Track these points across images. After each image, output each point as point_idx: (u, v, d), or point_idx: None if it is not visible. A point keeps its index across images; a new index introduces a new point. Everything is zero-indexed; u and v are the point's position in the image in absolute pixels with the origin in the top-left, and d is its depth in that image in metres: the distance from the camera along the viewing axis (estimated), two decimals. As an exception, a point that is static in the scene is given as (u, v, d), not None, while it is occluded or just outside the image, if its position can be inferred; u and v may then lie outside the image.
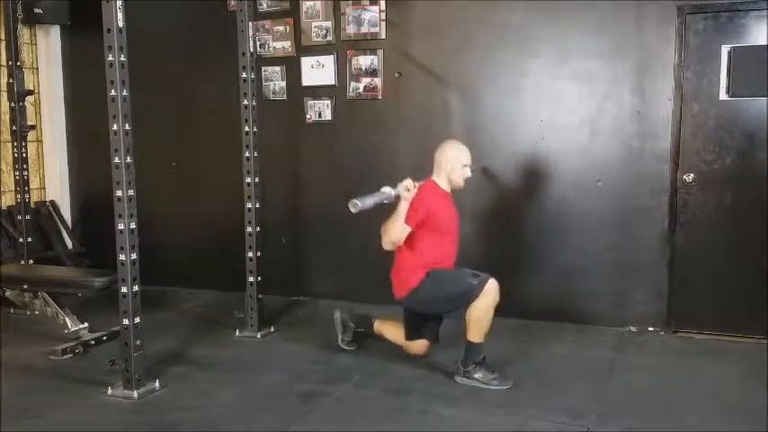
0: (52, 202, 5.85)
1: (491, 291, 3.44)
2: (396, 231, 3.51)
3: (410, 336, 3.77)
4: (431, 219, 3.55)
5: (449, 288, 3.53)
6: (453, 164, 3.63)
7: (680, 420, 3.09)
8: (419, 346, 3.76)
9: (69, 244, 5.80)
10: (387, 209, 3.54)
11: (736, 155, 4.19)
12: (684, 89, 4.24)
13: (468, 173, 3.68)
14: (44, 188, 5.88)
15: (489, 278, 3.48)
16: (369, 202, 3.39)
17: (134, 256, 3.30)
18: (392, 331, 3.88)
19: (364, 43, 4.90)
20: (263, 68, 5.13)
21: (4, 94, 5.19)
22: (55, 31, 5.79)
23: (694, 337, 4.32)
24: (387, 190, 3.48)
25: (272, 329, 4.44)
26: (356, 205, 3.33)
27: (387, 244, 3.57)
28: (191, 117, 5.46)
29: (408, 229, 3.53)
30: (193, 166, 5.51)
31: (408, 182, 3.50)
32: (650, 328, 4.42)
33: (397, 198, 3.51)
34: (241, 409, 3.26)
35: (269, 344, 4.24)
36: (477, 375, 3.49)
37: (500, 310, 4.60)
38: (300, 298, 5.27)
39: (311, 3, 4.99)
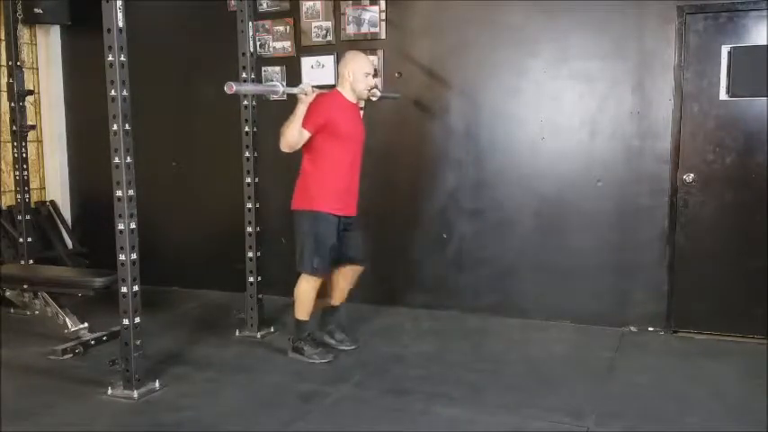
0: (52, 202, 5.85)
1: (310, 283, 3.74)
2: (292, 133, 3.53)
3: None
4: (330, 124, 3.56)
5: (305, 241, 3.67)
6: (355, 73, 3.65)
7: (680, 420, 3.09)
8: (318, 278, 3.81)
9: (69, 244, 5.81)
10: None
11: (736, 155, 4.19)
12: (684, 89, 4.24)
13: (371, 82, 3.70)
14: (44, 188, 5.89)
15: (318, 275, 3.70)
16: (249, 88, 3.28)
17: (134, 256, 3.30)
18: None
19: (364, 43, 4.90)
20: (263, 68, 5.13)
21: (4, 94, 5.19)
22: (55, 31, 5.79)
23: (694, 337, 4.32)
24: (277, 84, 3.42)
25: (272, 329, 4.44)
26: (231, 87, 3.18)
27: (284, 146, 3.59)
28: (191, 117, 5.46)
29: (306, 134, 3.54)
30: (193, 166, 5.51)
31: (307, 86, 3.52)
32: (650, 328, 4.42)
33: (292, 99, 3.48)
34: (241, 409, 3.26)
35: (269, 344, 4.24)
36: (303, 349, 3.81)
37: (501, 310, 4.66)
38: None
39: (311, 3, 5.00)
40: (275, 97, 3.42)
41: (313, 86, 3.57)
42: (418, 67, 4.80)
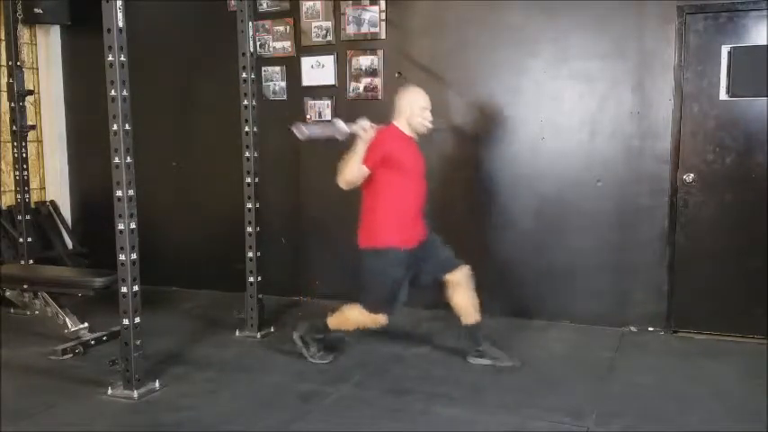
0: (52, 202, 5.85)
1: (364, 316, 3.65)
2: (351, 171, 3.51)
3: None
4: (390, 159, 3.54)
5: (371, 280, 3.63)
6: (412, 108, 3.63)
7: (680, 420, 3.09)
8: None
9: (69, 244, 5.81)
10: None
11: (736, 155, 4.19)
12: (684, 89, 4.24)
13: (428, 116, 3.68)
14: (44, 188, 5.89)
15: (377, 316, 3.63)
16: (316, 130, 3.32)
17: (134, 256, 3.30)
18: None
19: (364, 43, 4.90)
20: (263, 68, 5.13)
21: (4, 94, 5.19)
22: (55, 31, 5.79)
23: (694, 337, 4.32)
24: (339, 123, 3.43)
25: (272, 329, 4.44)
26: (302, 131, 3.24)
27: (342, 183, 3.57)
28: (191, 117, 5.46)
29: (365, 170, 3.52)
30: (193, 166, 5.51)
31: (365, 122, 3.51)
32: (650, 328, 4.42)
33: (353, 137, 3.47)
34: (241, 408, 3.26)
35: (269, 344, 4.24)
36: (311, 348, 3.81)
37: (501, 310, 4.66)
38: (300, 298, 5.27)
39: (311, 3, 5.00)
40: (339, 138, 3.45)
41: (372, 124, 3.54)
42: (418, 67, 4.80)
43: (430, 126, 3.72)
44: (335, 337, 3.91)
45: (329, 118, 5.03)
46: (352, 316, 3.72)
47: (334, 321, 3.78)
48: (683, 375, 3.68)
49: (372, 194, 3.62)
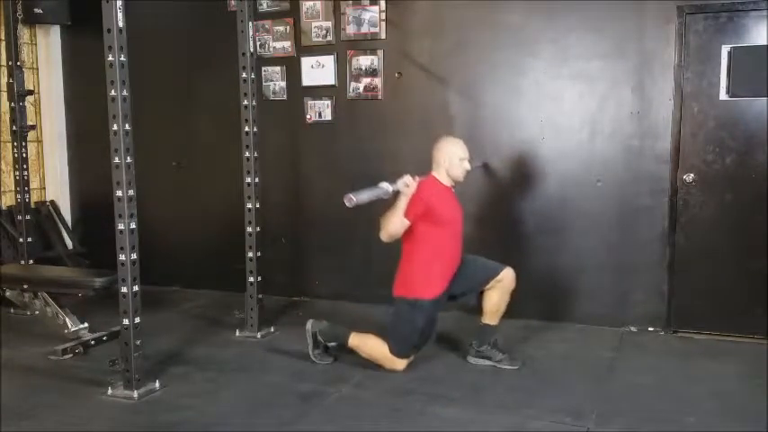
0: (52, 202, 5.85)
1: (389, 361, 3.66)
2: (394, 225, 3.54)
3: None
4: (431, 212, 3.58)
5: (401, 328, 3.65)
6: (451, 159, 3.66)
7: (680, 420, 3.09)
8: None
9: (69, 244, 5.81)
10: (384, 202, 3.56)
11: (736, 155, 4.19)
12: (684, 89, 4.24)
13: (467, 166, 3.70)
14: (44, 188, 5.89)
15: (401, 361, 3.66)
16: (365, 196, 3.40)
17: (134, 256, 3.30)
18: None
19: (364, 43, 4.90)
20: (263, 68, 5.13)
21: (4, 94, 5.19)
22: (55, 31, 5.80)
23: (694, 337, 4.32)
24: (384, 185, 3.50)
25: (272, 329, 4.44)
26: (351, 200, 3.34)
27: (384, 236, 3.59)
28: (191, 117, 5.46)
29: (407, 223, 3.56)
30: (193, 166, 5.51)
31: (407, 178, 3.55)
32: (650, 328, 4.42)
33: (396, 193, 3.53)
34: (241, 409, 3.26)
35: (269, 344, 4.24)
36: (317, 347, 3.82)
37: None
38: (300, 298, 5.27)
39: (311, 3, 5.00)
40: (385, 198, 3.50)
41: (415, 178, 3.56)
42: (418, 67, 4.80)
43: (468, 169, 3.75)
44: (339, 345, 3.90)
45: (330, 118, 5.04)
46: (375, 348, 3.71)
47: (355, 341, 3.75)
48: (683, 375, 3.68)
49: (411, 244, 3.65)
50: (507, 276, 3.73)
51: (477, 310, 3.82)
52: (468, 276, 3.74)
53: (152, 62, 5.21)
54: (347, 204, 3.34)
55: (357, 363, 3.84)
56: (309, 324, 3.89)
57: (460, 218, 3.77)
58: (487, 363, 3.80)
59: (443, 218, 3.64)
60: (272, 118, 4.98)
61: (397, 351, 3.65)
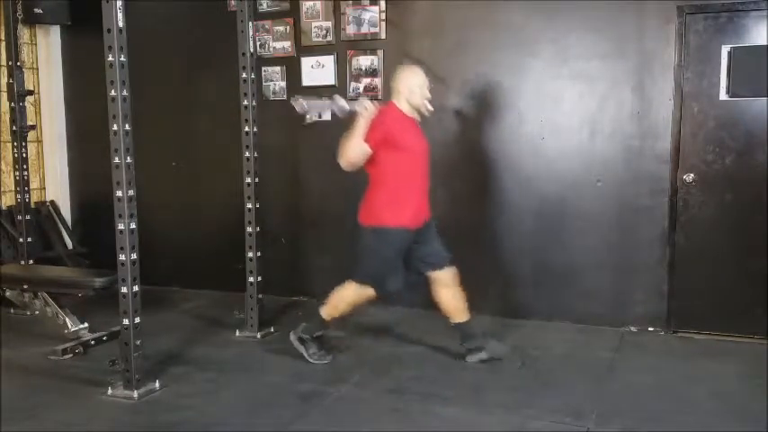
0: (52, 202, 5.85)
1: (356, 291, 3.68)
2: (353, 150, 3.51)
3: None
4: (391, 137, 3.54)
5: (369, 257, 3.66)
6: (410, 87, 3.65)
7: (680, 420, 3.09)
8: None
9: (69, 244, 5.80)
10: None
11: (736, 155, 4.19)
12: (684, 89, 4.24)
13: (427, 94, 3.69)
14: (44, 188, 5.88)
15: (368, 290, 3.65)
16: (316, 104, 3.29)
17: (134, 256, 3.30)
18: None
19: (364, 43, 4.90)
20: (263, 68, 5.13)
21: (4, 94, 5.19)
22: (55, 31, 5.80)
23: (694, 337, 4.32)
24: (340, 100, 3.40)
25: (272, 329, 4.44)
26: (301, 104, 3.20)
27: (344, 163, 3.56)
28: (191, 117, 5.46)
29: (367, 148, 3.51)
30: (193, 166, 5.51)
31: (366, 101, 3.52)
32: (650, 328, 4.42)
33: (353, 115, 3.47)
34: (241, 409, 3.26)
35: (269, 344, 4.24)
36: (307, 348, 3.80)
37: (500, 310, 4.66)
38: (300, 298, 5.27)
39: (311, 3, 5.00)
40: (340, 115, 3.42)
41: (373, 102, 3.55)
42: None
43: (430, 108, 3.73)
44: (334, 335, 3.90)
45: (330, 118, 5.03)
46: (344, 294, 3.74)
47: (327, 310, 3.79)
48: (683, 375, 3.68)
49: (375, 172, 3.63)
50: (449, 277, 3.76)
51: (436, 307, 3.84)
52: (427, 247, 3.72)
53: (152, 62, 5.21)
54: (296, 108, 3.20)
55: (357, 363, 3.84)
56: (291, 336, 3.90)
57: (425, 149, 3.73)
58: (484, 356, 3.80)
59: (406, 145, 3.59)
60: (272, 118, 4.98)
61: (364, 280, 3.66)
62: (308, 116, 3.24)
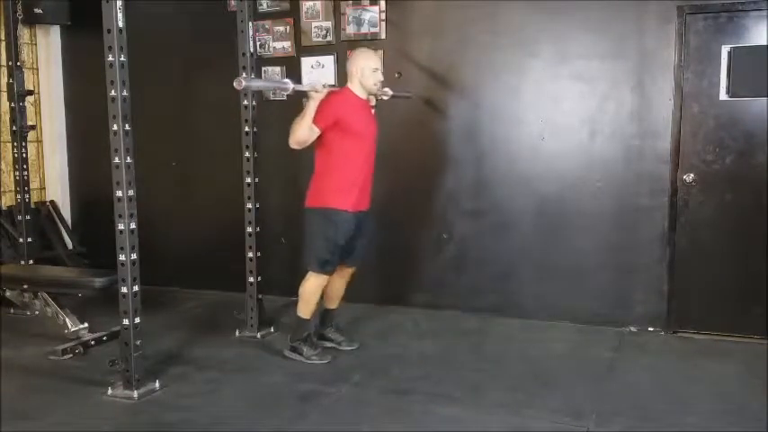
0: (52, 202, 5.85)
1: (317, 281, 3.73)
2: (302, 130, 3.54)
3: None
4: (341, 121, 3.57)
5: (314, 239, 3.68)
6: (363, 69, 3.67)
7: (680, 420, 3.09)
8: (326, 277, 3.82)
9: (69, 244, 5.81)
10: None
11: (736, 155, 4.19)
12: (684, 89, 4.24)
13: (379, 77, 3.72)
14: (44, 188, 5.89)
15: (325, 274, 3.70)
16: (258, 84, 3.25)
17: (134, 256, 3.30)
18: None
19: (364, 43, 4.89)
20: (263, 68, 5.13)
21: (4, 94, 5.19)
22: (55, 31, 5.79)
23: (694, 337, 4.32)
24: (287, 81, 3.40)
25: (272, 329, 4.44)
26: (240, 83, 3.18)
27: (293, 142, 3.60)
28: (191, 117, 5.46)
29: (316, 130, 3.55)
30: (193, 166, 5.51)
31: (317, 84, 3.54)
32: (650, 328, 4.42)
33: (300, 95, 3.49)
34: (241, 409, 3.26)
35: (269, 344, 4.24)
36: (301, 350, 3.81)
37: (500, 310, 4.66)
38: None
39: (311, 3, 5.00)
40: (285, 94, 3.39)
41: (324, 84, 3.58)
42: (418, 67, 4.80)
43: (388, 92, 3.84)
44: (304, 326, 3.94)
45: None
46: (306, 290, 3.78)
47: (301, 308, 3.83)
48: (683, 375, 3.68)
49: (323, 156, 3.69)
50: (348, 272, 3.94)
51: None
52: (357, 240, 3.80)
53: (152, 62, 5.21)
54: (236, 87, 3.19)
55: (357, 363, 3.84)
56: (285, 352, 3.92)
57: (374, 134, 3.78)
58: (328, 344, 3.97)
59: (355, 129, 3.62)
60: (272, 118, 4.97)
61: (315, 265, 3.69)
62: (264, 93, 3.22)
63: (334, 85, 3.85)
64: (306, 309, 3.81)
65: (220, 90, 5.07)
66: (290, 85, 3.45)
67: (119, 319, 3.35)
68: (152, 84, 5.12)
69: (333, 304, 4.06)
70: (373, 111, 3.97)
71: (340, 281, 3.96)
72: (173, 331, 4.42)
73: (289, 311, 4.92)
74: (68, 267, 5.34)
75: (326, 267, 3.72)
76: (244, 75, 3.28)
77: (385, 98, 4.00)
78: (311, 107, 3.53)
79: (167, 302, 5.13)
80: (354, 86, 3.72)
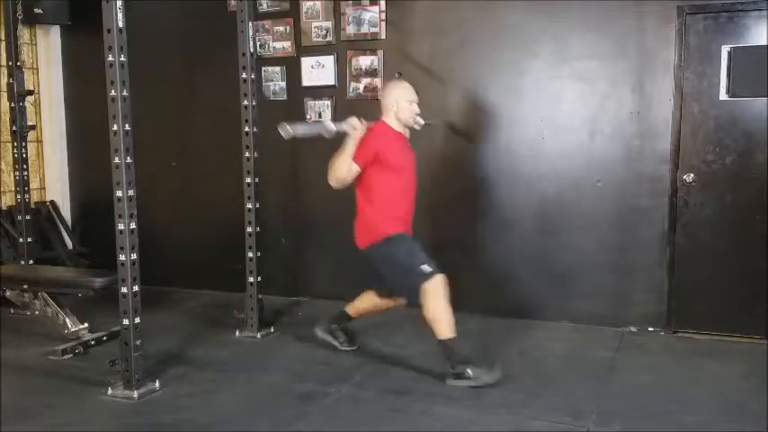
0: (52, 202, 5.85)
1: (432, 291, 3.43)
2: (342, 169, 3.50)
3: (375, 286, 3.81)
4: (381, 156, 3.53)
5: (401, 260, 3.56)
6: (399, 102, 3.64)
7: (680, 420, 3.09)
8: (390, 301, 3.81)
9: (69, 244, 5.80)
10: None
11: (736, 155, 4.19)
12: (684, 89, 4.24)
13: (416, 109, 3.68)
14: (44, 188, 5.89)
15: (434, 275, 3.45)
16: (303, 129, 3.27)
17: (134, 256, 3.30)
18: (364, 302, 3.88)
19: (364, 43, 4.90)
20: (263, 69, 5.13)
21: (4, 94, 5.19)
22: (55, 31, 5.80)
23: (694, 337, 4.32)
24: (327, 122, 3.39)
25: (272, 329, 4.44)
26: (287, 131, 3.20)
27: (333, 181, 3.56)
28: (191, 117, 5.46)
29: (356, 168, 3.51)
30: (193, 166, 5.51)
31: (354, 120, 3.50)
32: (650, 328, 4.42)
33: (342, 135, 3.45)
34: (241, 409, 3.26)
35: (269, 344, 4.24)
36: (467, 374, 3.44)
37: (500, 310, 4.66)
38: (300, 298, 5.27)
39: (311, 3, 5.00)
40: (327, 137, 3.41)
41: (362, 121, 3.53)
42: (418, 68, 4.80)
43: (420, 121, 3.74)
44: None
45: (329, 118, 5.03)
46: (432, 309, 3.44)
47: (438, 330, 3.47)
48: (683, 375, 3.68)
49: (365, 193, 3.63)
50: (379, 298, 3.88)
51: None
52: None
53: (152, 62, 5.21)
54: (283, 135, 3.21)
55: (357, 363, 3.84)
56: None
57: (413, 165, 3.74)
58: (331, 341, 3.99)
59: (395, 163, 3.58)
60: (272, 118, 4.96)
61: (420, 279, 3.41)
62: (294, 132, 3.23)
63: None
64: (444, 328, 3.45)
65: (220, 90, 5.12)
66: (333, 127, 3.43)
67: (119, 319, 3.35)
68: (152, 84, 5.13)
69: (354, 314, 3.98)
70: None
71: (369, 298, 3.89)
72: (173, 331, 4.42)
73: (288, 311, 4.93)
74: (68, 267, 5.34)
75: (430, 267, 3.45)
76: (286, 123, 3.32)
77: (417, 127, 3.84)
78: (350, 145, 3.48)
79: (167, 302, 5.13)
80: (390, 119, 3.66)
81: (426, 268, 3.46)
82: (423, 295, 3.45)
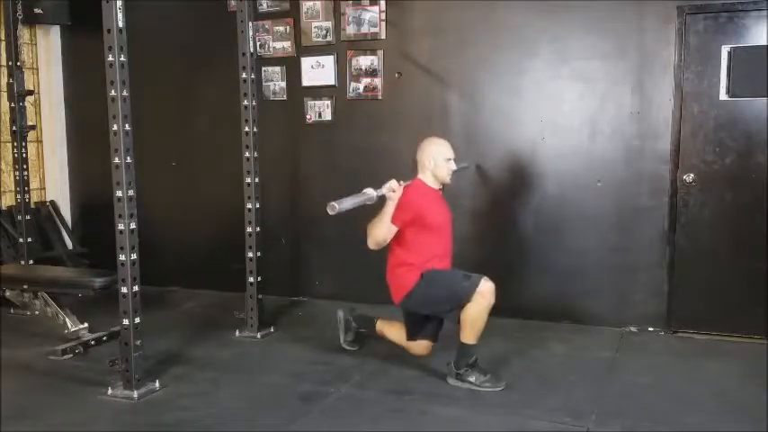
0: (52, 203, 5.85)
1: (485, 293, 3.41)
2: (381, 232, 3.49)
3: (411, 336, 3.74)
4: (419, 218, 3.53)
5: (442, 290, 3.51)
6: (436, 160, 3.62)
7: (680, 420, 3.09)
8: (420, 346, 3.73)
9: (69, 244, 5.81)
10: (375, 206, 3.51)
11: (736, 155, 4.19)
12: (684, 89, 4.24)
13: (453, 166, 3.67)
14: (44, 188, 5.89)
15: (482, 279, 3.43)
16: (348, 203, 3.31)
17: (134, 256, 3.30)
18: (394, 332, 3.83)
19: (364, 43, 4.90)
20: (263, 69, 5.13)
21: (4, 94, 5.19)
22: (55, 31, 5.80)
23: (694, 337, 4.32)
24: (369, 191, 3.41)
25: (272, 329, 4.44)
26: (334, 208, 3.26)
27: (372, 244, 3.54)
28: (191, 117, 5.46)
29: (395, 229, 3.50)
30: (193, 166, 5.51)
31: (393, 183, 3.47)
32: (650, 328, 4.42)
33: (381, 199, 3.46)
34: (241, 409, 3.26)
35: (269, 344, 4.24)
36: (470, 378, 3.47)
37: (500, 311, 4.64)
38: (300, 298, 5.27)
39: (311, 3, 5.00)
40: (369, 203, 3.43)
41: (400, 182, 3.50)
42: (418, 67, 4.80)
43: (454, 168, 3.71)
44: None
45: (330, 118, 5.04)
46: (471, 315, 3.42)
47: (464, 335, 3.47)
48: (683, 375, 3.68)
49: (401, 251, 3.59)
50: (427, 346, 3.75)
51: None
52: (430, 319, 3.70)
53: (152, 62, 5.21)
54: (330, 212, 3.27)
55: (357, 363, 3.84)
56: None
57: (449, 221, 3.73)
58: (340, 331, 3.99)
59: (433, 223, 3.58)
60: (272, 118, 4.98)
61: (464, 290, 3.41)
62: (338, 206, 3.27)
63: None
64: (472, 334, 3.45)
65: (220, 90, 5.13)
66: (374, 194, 3.43)
67: (119, 319, 3.35)
68: (152, 84, 5.13)
69: (378, 333, 3.91)
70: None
71: (408, 344, 3.76)
72: (173, 331, 4.42)
73: (288, 311, 4.93)
74: (68, 267, 5.35)
75: (469, 278, 3.44)
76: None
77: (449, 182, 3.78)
78: (390, 207, 3.46)
79: (167, 302, 5.13)
80: (426, 177, 3.64)
81: (474, 275, 3.46)
82: (473, 297, 3.40)
